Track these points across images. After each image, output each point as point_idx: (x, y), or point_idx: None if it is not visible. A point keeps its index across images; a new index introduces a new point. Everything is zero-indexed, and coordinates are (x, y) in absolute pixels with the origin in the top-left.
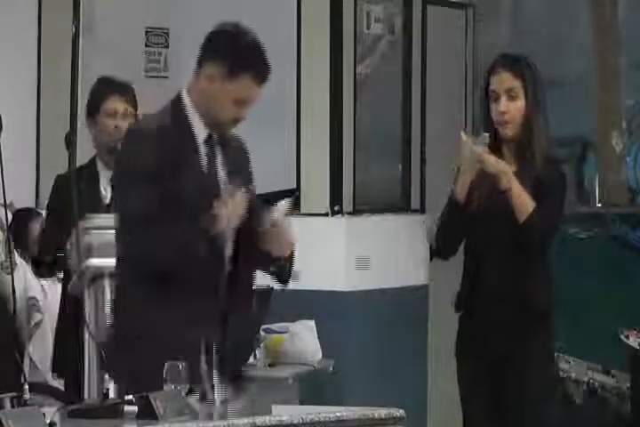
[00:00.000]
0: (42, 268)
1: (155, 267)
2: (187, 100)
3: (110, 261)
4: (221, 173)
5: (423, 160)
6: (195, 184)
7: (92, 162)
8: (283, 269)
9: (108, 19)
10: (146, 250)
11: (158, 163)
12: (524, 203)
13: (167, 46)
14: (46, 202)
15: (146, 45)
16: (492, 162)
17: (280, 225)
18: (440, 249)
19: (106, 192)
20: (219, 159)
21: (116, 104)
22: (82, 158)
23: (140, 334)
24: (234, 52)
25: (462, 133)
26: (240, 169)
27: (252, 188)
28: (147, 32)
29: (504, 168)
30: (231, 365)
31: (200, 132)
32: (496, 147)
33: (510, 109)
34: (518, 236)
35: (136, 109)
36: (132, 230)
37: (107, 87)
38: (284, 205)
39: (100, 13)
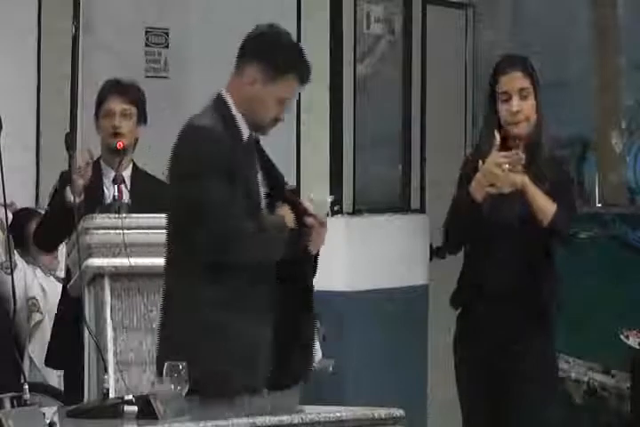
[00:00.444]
0: (42, 240)
1: (226, 260)
2: (229, 100)
3: (110, 261)
4: (259, 176)
5: (423, 160)
6: (246, 185)
7: (97, 162)
8: (313, 267)
9: (108, 19)
10: (218, 243)
11: (219, 162)
12: (543, 206)
13: (167, 46)
14: (49, 196)
15: (146, 45)
16: (507, 183)
17: (324, 222)
18: (445, 245)
19: (108, 191)
20: (255, 159)
21: (112, 105)
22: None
23: (210, 332)
24: (276, 53)
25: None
26: (273, 168)
27: (289, 186)
28: (147, 32)
29: (517, 184)
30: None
31: (245, 132)
32: (503, 146)
33: (524, 108)
34: (544, 237)
35: (140, 109)
36: (201, 229)
37: (107, 89)
38: (326, 201)
39: (100, 13)
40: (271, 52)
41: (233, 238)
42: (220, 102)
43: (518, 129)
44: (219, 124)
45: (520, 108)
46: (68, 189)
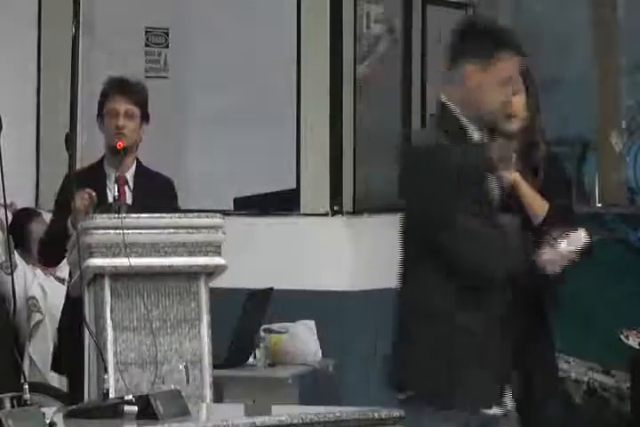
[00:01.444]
0: (47, 258)
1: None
2: (452, 105)
3: (110, 261)
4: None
5: None
6: (482, 191)
7: (100, 162)
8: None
9: (108, 19)
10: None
11: (454, 177)
12: (534, 204)
13: (167, 46)
14: (53, 200)
15: (146, 45)
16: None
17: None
18: None
19: (112, 192)
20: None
21: (117, 105)
22: (81, 159)
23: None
24: (483, 36)
25: None
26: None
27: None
28: (147, 32)
29: (509, 180)
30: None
31: (474, 134)
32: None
33: (513, 102)
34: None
35: (143, 109)
36: (459, 241)
37: (110, 88)
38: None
39: (100, 13)
40: (478, 37)
41: (492, 254)
42: (442, 109)
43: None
44: (442, 137)
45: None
46: (69, 220)
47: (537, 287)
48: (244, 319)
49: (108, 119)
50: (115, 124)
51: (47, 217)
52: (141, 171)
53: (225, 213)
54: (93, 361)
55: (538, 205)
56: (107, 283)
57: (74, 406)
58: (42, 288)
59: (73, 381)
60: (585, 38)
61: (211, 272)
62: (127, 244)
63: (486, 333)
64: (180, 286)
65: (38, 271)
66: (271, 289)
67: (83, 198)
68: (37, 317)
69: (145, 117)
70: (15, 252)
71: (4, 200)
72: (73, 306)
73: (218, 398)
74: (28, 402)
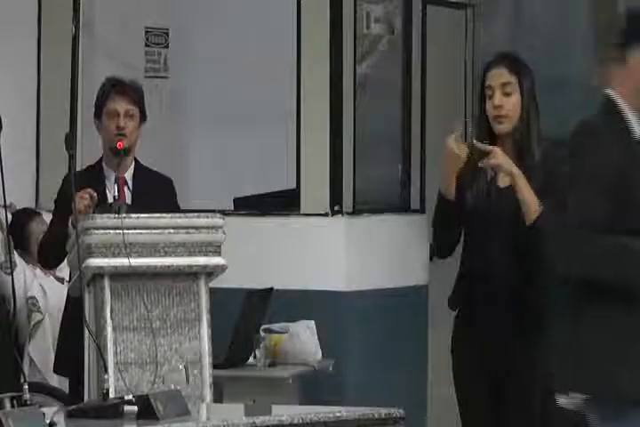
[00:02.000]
0: (47, 260)
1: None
2: (618, 98)
3: (110, 261)
4: None
5: (423, 160)
6: (629, 190)
7: (99, 163)
8: None
9: (108, 19)
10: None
11: (594, 157)
12: (530, 204)
13: (167, 46)
14: (53, 200)
15: (146, 45)
16: (508, 165)
17: None
18: (437, 248)
19: (111, 192)
20: None
21: (117, 105)
22: (81, 159)
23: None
24: None
25: (452, 136)
26: None
27: None
28: (147, 32)
29: (514, 173)
30: None
31: (637, 129)
32: (491, 144)
33: (505, 104)
34: (525, 237)
35: (142, 109)
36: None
37: (109, 88)
38: None
39: (100, 13)
40: None
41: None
42: (607, 102)
43: (500, 125)
44: (601, 120)
45: (501, 103)
46: (70, 221)
47: None
48: (244, 319)
49: (108, 120)
50: (115, 125)
51: (47, 217)
52: (140, 170)
53: (225, 213)
54: (93, 361)
55: (530, 204)
56: (107, 283)
57: (74, 406)
58: (42, 288)
59: (73, 381)
60: (585, 38)
61: (211, 272)
62: (127, 244)
63: None
64: (180, 286)
65: (38, 271)
66: (271, 289)
67: (83, 199)
68: (37, 317)
69: (143, 117)
70: (15, 252)
71: (4, 200)
72: (73, 306)
73: (218, 398)
74: (28, 402)
